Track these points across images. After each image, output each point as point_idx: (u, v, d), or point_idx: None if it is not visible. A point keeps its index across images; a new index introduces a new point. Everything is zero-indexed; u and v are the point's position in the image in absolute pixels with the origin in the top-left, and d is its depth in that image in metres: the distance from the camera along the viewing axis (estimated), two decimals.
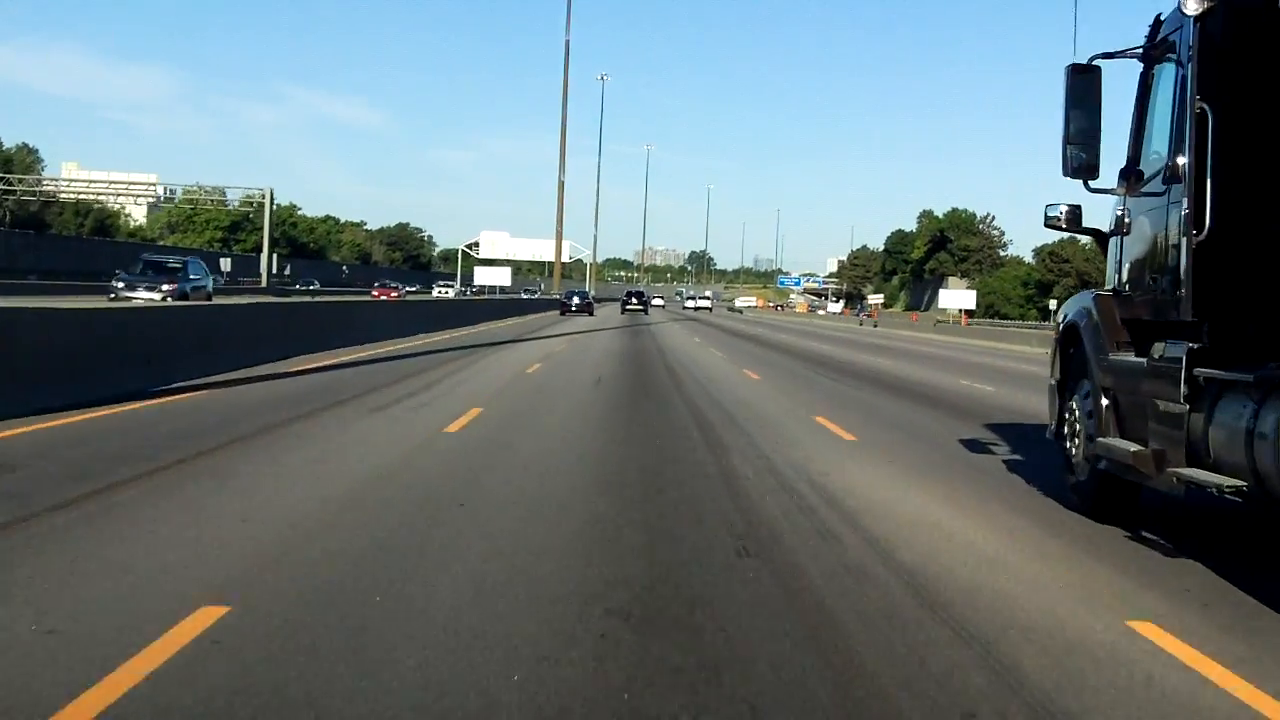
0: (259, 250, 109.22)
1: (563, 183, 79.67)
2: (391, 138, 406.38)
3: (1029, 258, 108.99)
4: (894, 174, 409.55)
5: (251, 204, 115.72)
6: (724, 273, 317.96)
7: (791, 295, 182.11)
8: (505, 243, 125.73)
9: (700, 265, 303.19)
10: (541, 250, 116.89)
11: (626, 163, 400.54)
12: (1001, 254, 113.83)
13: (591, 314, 57.10)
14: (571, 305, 58.08)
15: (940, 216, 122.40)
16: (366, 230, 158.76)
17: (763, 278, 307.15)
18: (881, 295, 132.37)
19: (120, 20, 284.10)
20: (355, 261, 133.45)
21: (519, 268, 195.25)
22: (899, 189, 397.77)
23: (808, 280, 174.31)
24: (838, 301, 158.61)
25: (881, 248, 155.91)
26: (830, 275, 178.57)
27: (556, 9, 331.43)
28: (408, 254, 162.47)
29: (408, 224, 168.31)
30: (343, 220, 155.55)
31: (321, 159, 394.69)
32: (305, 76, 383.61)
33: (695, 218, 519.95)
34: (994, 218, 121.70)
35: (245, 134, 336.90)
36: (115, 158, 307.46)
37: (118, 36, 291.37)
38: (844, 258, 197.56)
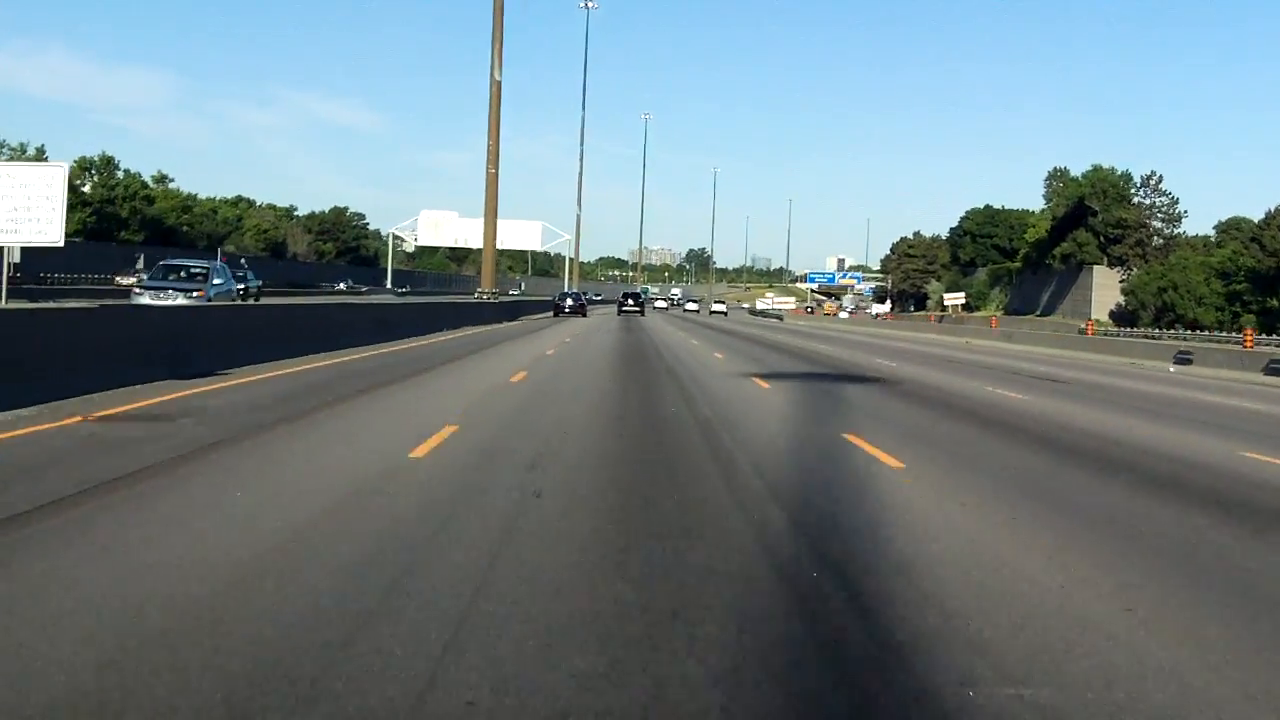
0: (98, 236, 75.73)
1: (498, 82, 46.05)
2: (385, 139, 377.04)
3: (1210, 235, 75.32)
4: (901, 168, 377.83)
5: (90, 168, 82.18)
6: (724, 271, 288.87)
7: (816, 297, 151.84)
8: (452, 225, 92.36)
9: (700, 263, 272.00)
10: (504, 234, 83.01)
11: (621, 164, 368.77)
12: (1172, 231, 77.63)
13: (584, 315, 58.53)
14: (565, 307, 60.40)
15: (1079, 178, 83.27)
16: (295, 217, 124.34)
17: (767, 276, 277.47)
18: (962, 294, 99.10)
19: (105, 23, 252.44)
20: (263, 253, 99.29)
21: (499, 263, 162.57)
22: (906, 184, 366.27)
23: (845, 277, 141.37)
24: (883, 302, 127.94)
25: (945, 234, 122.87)
26: (870, 271, 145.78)
27: (558, 9, 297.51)
28: (344, 245, 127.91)
29: (345, 209, 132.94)
30: (259, 203, 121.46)
31: (320, 159, 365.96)
32: (300, 80, 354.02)
33: (691, 217, 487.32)
34: (1160, 178, 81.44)
35: (237, 136, 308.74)
36: None
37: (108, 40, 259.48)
38: (843, 256, 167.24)
